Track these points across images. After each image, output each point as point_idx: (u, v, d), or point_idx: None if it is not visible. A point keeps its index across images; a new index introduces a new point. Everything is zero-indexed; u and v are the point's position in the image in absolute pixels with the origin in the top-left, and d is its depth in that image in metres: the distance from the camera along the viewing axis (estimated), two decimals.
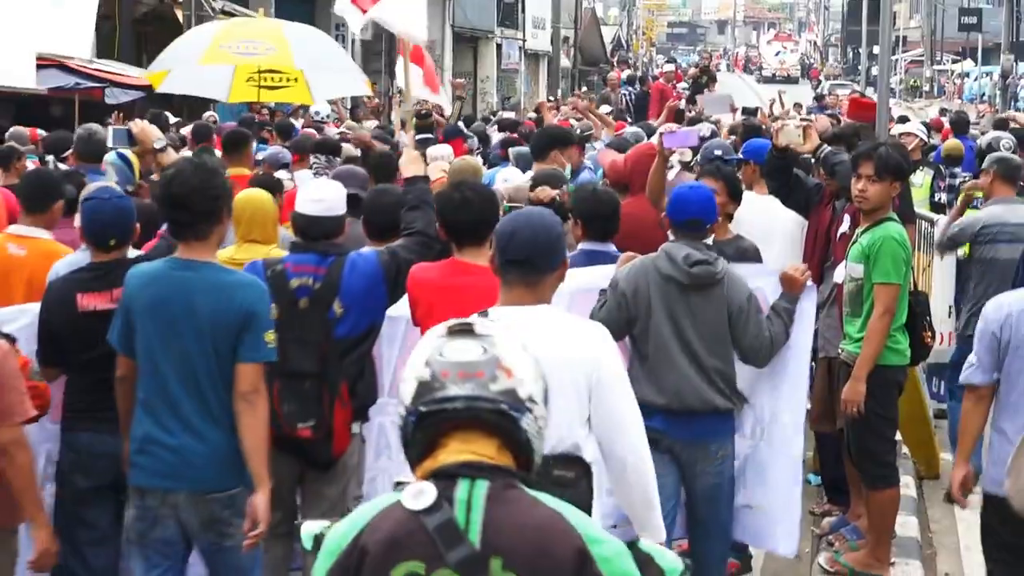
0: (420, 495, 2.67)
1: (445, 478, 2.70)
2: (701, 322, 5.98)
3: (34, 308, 5.81)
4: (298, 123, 16.81)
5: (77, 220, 5.96)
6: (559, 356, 4.08)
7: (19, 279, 6.42)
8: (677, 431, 5.94)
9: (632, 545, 3.56)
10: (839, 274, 7.34)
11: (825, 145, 8.42)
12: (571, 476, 4.17)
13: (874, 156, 6.93)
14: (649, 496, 4.38)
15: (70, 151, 9.90)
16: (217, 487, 5.13)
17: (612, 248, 6.66)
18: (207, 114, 18.10)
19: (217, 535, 5.16)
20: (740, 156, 9.08)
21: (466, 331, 2.78)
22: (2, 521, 5.10)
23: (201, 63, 14.46)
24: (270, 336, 5.16)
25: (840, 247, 7.73)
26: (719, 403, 5.98)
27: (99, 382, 5.46)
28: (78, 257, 6.06)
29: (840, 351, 7.10)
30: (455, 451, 2.73)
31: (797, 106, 20.46)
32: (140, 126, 7.12)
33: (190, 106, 19.30)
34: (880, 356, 6.86)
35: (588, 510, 4.08)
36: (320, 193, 5.97)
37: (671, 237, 6.18)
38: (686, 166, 9.01)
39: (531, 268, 4.30)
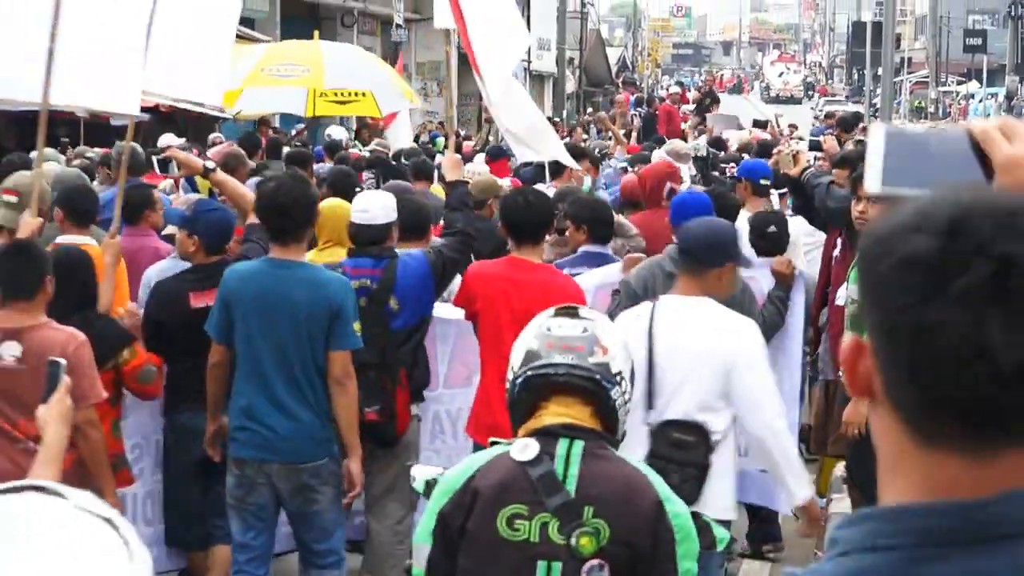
0: (526, 448, 3.14)
1: (547, 436, 3.17)
2: None
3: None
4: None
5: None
6: (706, 342, 4.90)
7: None
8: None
9: (695, 515, 3.93)
10: (840, 296, 7.33)
11: (809, 167, 8.55)
12: (689, 440, 4.81)
13: None
14: (789, 462, 5.11)
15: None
16: (306, 459, 5.83)
17: (609, 251, 7.51)
18: (213, 135, 18.16)
19: (304, 501, 5.86)
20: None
21: (571, 313, 3.31)
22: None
23: (242, 86, 14.92)
24: (357, 326, 5.86)
25: (837, 270, 7.74)
26: None
27: (198, 367, 6.06)
28: (168, 263, 6.84)
29: (839, 374, 7.09)
30: (555, 413, 3.21)
31: (792, 127, 20.90)
32: (181, 155, 7.72)
33: (195, 127, 19.36)
34: None
35: (703, 469, 4.94)
36: (364, 204, 6.57)
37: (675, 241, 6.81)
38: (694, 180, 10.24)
39: (696, 260, 5.12)
